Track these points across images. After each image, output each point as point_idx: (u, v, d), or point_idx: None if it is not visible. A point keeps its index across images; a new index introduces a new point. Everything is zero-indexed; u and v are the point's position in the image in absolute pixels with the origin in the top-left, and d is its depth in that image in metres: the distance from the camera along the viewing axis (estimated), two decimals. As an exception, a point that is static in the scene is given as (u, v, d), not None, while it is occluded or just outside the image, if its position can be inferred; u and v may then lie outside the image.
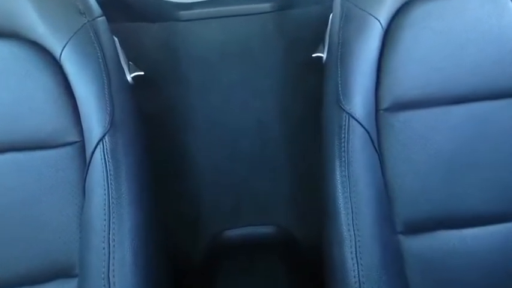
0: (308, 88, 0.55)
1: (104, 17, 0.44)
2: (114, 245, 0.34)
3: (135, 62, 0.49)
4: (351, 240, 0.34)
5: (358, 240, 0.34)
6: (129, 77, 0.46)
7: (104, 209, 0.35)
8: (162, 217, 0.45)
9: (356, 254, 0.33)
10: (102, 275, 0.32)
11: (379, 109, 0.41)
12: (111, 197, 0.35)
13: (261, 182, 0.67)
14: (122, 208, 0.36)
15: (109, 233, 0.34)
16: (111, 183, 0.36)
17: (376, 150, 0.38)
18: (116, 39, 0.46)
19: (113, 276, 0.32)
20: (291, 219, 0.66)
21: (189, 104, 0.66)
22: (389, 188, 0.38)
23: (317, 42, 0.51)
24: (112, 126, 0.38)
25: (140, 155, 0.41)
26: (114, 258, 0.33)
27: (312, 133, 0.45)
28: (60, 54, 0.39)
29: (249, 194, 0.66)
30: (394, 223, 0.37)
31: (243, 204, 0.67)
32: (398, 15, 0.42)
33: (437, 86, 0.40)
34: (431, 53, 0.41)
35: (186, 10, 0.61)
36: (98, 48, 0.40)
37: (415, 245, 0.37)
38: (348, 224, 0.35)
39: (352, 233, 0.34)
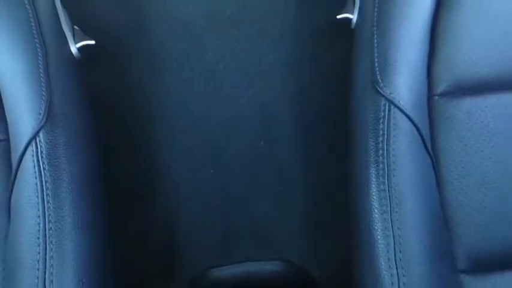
0: (330, 65, 0.43)
1: None
2: None
3: (84, 27, 0.36)
4: (392, 281, 0.27)
5: (404, 283, 0.26)
6: (73, 48, 0.34)
7: (38, 238, 0.26)
8: (123, 251, 0.36)
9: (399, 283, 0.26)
10: None
11: (433, 94, 0.31)
12: (48, 221, 0.27)
13: (262, 202, 0.49)
14: (63, 237, 0.27)
15: (44, 273, 0.25)
16: (48, 201, 0.27)
17: (429, 154, 0.29)
18: None
19: None
20: (305, 252, 0.50)
21: (160, 88, 0.48)
22: (447, 209, 0.30)
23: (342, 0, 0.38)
24: (49, 119, 0.28)
25: (90, 160, 0.31)
26: None
27: (336, 129, 0.36)
28: None
29: (247, 219, 0.49)
30: (455, 258, 0.29)
31: (236, 232, 0.49)
32: None
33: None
34: (506, 16, 0.31)
35: None
36: (30, 10, 0.30)
37: (480, 285, 0.29)
38: (389, 260, 0.27)
39: (395, 271, 0.27)
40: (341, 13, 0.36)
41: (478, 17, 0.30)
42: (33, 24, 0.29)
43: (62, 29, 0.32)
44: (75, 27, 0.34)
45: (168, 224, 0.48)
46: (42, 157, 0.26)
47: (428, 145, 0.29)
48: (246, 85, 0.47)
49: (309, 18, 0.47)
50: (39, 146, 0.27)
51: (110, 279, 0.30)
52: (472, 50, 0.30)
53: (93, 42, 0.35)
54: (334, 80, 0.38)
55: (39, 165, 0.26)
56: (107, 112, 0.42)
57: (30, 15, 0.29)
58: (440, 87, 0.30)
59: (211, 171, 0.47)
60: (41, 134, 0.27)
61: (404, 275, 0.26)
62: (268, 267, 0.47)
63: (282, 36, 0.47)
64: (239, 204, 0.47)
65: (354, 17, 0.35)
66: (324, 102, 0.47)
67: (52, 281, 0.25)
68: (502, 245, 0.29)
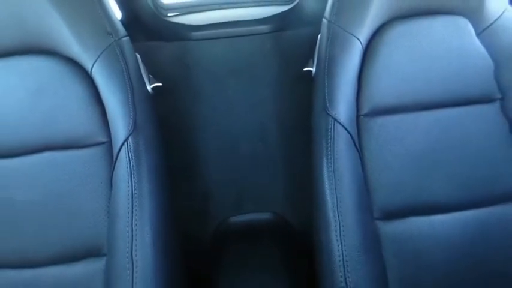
0: (300, 97, 0.55)
1: (128, 37, 0.45)
2: (136, 229, 0.34)
3: (155, 75, 0.50)
4: (336, 226, 0.34)
5: (342, 225, 0.34)
6: (149, 88, 0.47)
7: (128, 199, 0.35)
8: (176, 207, 0.45)
9: (340, 237, 0.33)
10: (127, 254, 0.33)
11: (359, 114, 0.41)
12: (134, 188, 0.36)
13: (260, 177, 0.67)
14: (142, 198, 0.36)
15: (132, 219, 0.34)
16: (133, 178, 0.36)
17: (357, 150, 0.39)
18: (138, 55, 0.47)
19: (136, 255, 0.33)
20: (286, 208, 0.67)
21: (199, 111, 0.66)
22: (368, 181, 0.38)
23: (307, 58, 0.51)
24: (135, 129, 0.38)
25: (158, 154, 0.41)
26: (136, 240, 0.33)
27: (304, 135, 0.45)
28: (91, 68, 0.40)
29: (250, 187, 0.67)
30: (372, 211, 0.37)
31: (245, 196, 0.67)
32: (375, 35, 0.43)
33: (409, 95, 0.41)
34: (403, 67, 0.41)
35: (196, 31, 0.62)
36: (123, 64, 0.41)
37: (390, 229, 0.37)
38: (334, 212, 0.34)
39: (337, 218, 0.34)
40: (306, 67, 0.49)
41: (385, 69, 0.41)
42: (125, 73, 0.40)
43: (142, 76, 0.44)
44: (150, 75, 0.47)
45: (203, 190, 0.64)
46: (130, 152, 0.37)
47: (357, 144, 0.38)
48: (250, 110, 0.64)
49: (288, 70, 0.62)
50: (129, 145, 0.37)
51: (170, 224, 0.39)
52: (383, 88, 0.40)
53: (160, 84, 0.48)
54: (303, 106, 0.48)
55: (129, 157, 0.36)
56: (170, 126, 0.55)
57: (123, 67, 0.40)
58: (364, 111, 0.40)
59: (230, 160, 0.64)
60: (130, 138, 0.37)
61: (343, 221, 0.34)
62: (263, 216, 0.61)
63: (272, 80, 0.63)
64: (246, 179, 0.64)
65: (313, 69, 0.47)
66: (297, 119, 0.62)
67: (136, 224, 0.34)
68: (402, 201, 0.37)
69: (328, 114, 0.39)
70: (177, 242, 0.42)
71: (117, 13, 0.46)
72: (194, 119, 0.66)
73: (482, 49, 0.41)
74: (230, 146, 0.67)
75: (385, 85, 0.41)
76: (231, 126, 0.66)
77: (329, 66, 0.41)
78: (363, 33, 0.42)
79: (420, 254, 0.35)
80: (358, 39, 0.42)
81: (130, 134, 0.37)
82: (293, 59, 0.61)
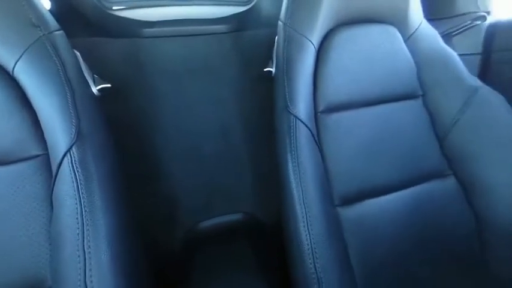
0: (262, 96, 0.55)
1: (62, 31, 0.37)
2: (90, 252, 0.29)
3: (101, 75, 0.42)
4: (303, 216, 0.35)
5: (309, 216, 0.35)
6: (94, 89, 0.39)
7: (77, 218, 0.30)
8: (139, 217, 0.40)
9: (307, 226, 0.34)
10: (79, 282, 0.28)
11: (317, 112, 0.43)
12: (84, 205, 0.30)
13: (227, 178, 0.64)
14: (95, 215, 0.31)
15: (83, 241, 0.29)
16: (82, 193, 0.31)
17: (317, 144, 0.40)
18: (77, 53, 0.39)
19: (91, 281, 0.28)
20: (256, 206, 0.65)
21: (158, 112, 0.60)
22: (328, 172, 0.40)
23: (266, 59, 0.51)
24: (79, 138, 0.32)
25: (110, 162, 0.36)
26: (91, 264, 0.28)
27: (268, 133, 0.44)
28: (13, 68, 0.32)
29: (219, 189, 0.64)
30: (333, 198, 0.39)
31: (213, 199, 0.64)
32: (326, 39, 0.45)
33: (356, 93, 0.44)
34: (350, 68, 0.44)
35: (148, 28, 0.56)
36: (57, 61, 0.34)
37: (348, 213, 0.39)
38: (300, 203, 0.35)
39: (304, 210, 0.35)
40: (266, 68, 0.48)
41: (336, 70, 0.43)
42: (60, 72, 0.33)
43: (84, 76, 0.37)
44: (95, 75, 0.39)
45: (168, 196, 0.58)
46: (75, 163, 0.31)
47: (316, 139, 0.40)
48: (212, 109, 0.60)
49: (248, 70, 0.61)
50: (72, 157, 0.31)
51: (131, 239, 0.34)
52: (335, 87, 0.43)
53: (109, 85, 0.41)
54: (264, 105, 0.49)
55: (73, 169, 0.31)
56: (125, 129, 0.47)
57: (58, 65, 0.33)
58: (320, 108, 0.42)
59: (196, 163, 0.59)
60: (73, 148, 0.31)
61: (309, 211, 0.34)
62: (234, 217, 0.58)
63: (233, 80, 0.61)
64: (213, 181, 0.60)
65: (273, 70, 0.47)
66: (259, 118, 0.61)
67: (90, 246, 0.29)
68: (357, 186, 0.40)
69: (290, 112, 0.39)
70: (141, 257, 0.37)
71: (45, 3, 0.37)
72: (153, 121, 0.60)
73: (408, 53, 0.47)
74: (194, 148, 0.62)
75: (337, 84, 0.43)
76: (194, 127, 0.62)
77: (287, 67, 0.41)
78: (315, 36, 0.44)
79: (373, 230, 0.39)
80: (312, 42, 0.43)
81: (74, 143, 0.31)
82: (253, 59, 0.60)
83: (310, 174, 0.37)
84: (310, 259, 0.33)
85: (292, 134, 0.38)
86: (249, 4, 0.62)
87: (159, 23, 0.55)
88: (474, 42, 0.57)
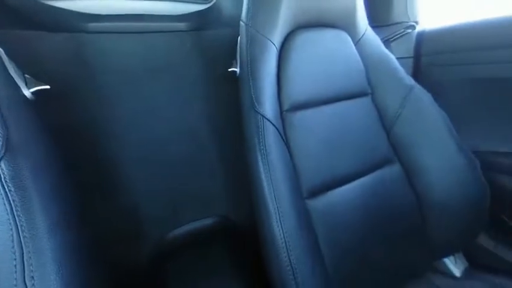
0: (227, 97, 0.55)
1: None
2: (34, 284, 0.24)
3: (37, 75, 0.35)
4: (275, 212, 0.35)
5: (280, 211, 0.35)
6: (27, 92, 0.33)
7: (13, 248, 0.25)
8: (98, 235, 0.35)
9: (280, 221, 0.35)
10: None
11: (282, 111, 0.44)
12: (22, 231, 0.25)
13: (197, 182, 0.60)
14: (38, 240, 0.26)
15: (23, 273, 0.24)
16: (18, 216, 0.25)
17: (284, 142, 0.41)
18: (1, 49, 0.32)
19: None
20: (229, 208, 0.63)
21: (111, 117, 0.53)
22: (296, 168, 0.42)
23: (230, 58, 0.50)
24: (8, 150, 0.27)
25: (56, 176, 0.30)
26: None
27: (235, 133, 0.44)
28: None
29: (188, 195, 0.59)
30: (302, 192, 0.41)
31: (183, 205, 0.59)
32: (286, 40, 0.47)
33: (315, 93, 0.46)
34: (309, 69, 0.46)
35: (94, 22, 0.49)
36: None
37: (317, 204, 0.41)
38: (272, 200, 0.36)
39: (275, 206, 0.36)
40: (230, 68, 0.48)
41: (297, 71, 0.45)
42: None
43: (11, 77, 0.30)
44: (27, 75, 0.32)
45: (133, 207, 0.51)
46: (6, 181, 0.25)
47: (284, 137, 0.41)
48: (176, 111, 0.55)
49: (213, 70, 0.58)
50: (1, 174, 0.25)
51: (88, 262, 0.30)
52: (297, 87, 0.44)
53: (47, 87, 0.34)
54: (231, 105, 0.48)
55: (4, 189, 0.25)
56: (73, 136, 0.39)
57: None
58: (285, 107, 0.44)
59: (157, 169, 0.52)
60: (1, 164, 0.26)
61: (280, 206, 0.35)
62: (207, 222, 0.56)
63: (198, 80, 0.57)
64: (183, 186, 0.55)
65: (237, 70, 0.46)
66: (227, 118, 0.59)
67: (33, 277, 0.24)
68: (321, 179, 0.42)
69: (257, 112, 0.39)
70: (102, 280, 0.33)
71: None
72: (106, 126, 0.52)
73: (358, 56, 0.52)
74: (158, 153, 0.56)
75: (299, 84, 0.45)
76: (157, 131, 0.56)
77: (251, 68, 0.42)
78: (276, 38, 0.44)
79: (338, 218, 0.42)
80: (273, 44, 0.44)
81: (2, 157, 0.26)
82: (216, 59, 0.58)
83: (280, 172, 0.37)
84: (284, 252, 0.33)
85: (260, 134, 0.38)
86: (208, 3, 0.59)
87: (108, 17, 0.48)
88: (407, 47, 0.66)
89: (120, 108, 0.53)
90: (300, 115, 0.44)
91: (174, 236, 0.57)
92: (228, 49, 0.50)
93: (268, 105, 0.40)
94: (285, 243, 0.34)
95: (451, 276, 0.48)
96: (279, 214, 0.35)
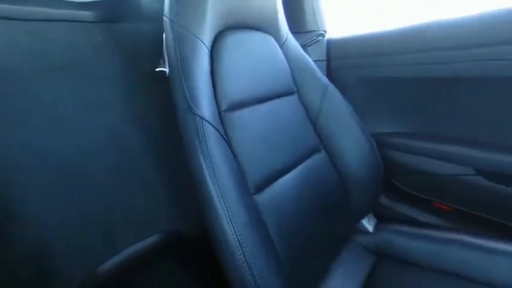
0: (157, 98, 0.49)
1: None
2: None
3: None
4: (224, 214, 0.35)
5: (230, 212, 0.35)
6: None
7: None
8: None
9: (231, 221, 0.34)
10: None
11: (220, 111, 0.43)
12: None
13: (130, 198, 0.51)
14: None
15: None
16: None
17: (226, 142, 0.41)
18: None
19: None
20: (172, 220, 0.56)
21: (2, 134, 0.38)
22: (240, 166, 0.42)
23: (155, 56, 0.45)
24: None
25: None
26: None
27: (171, 138, 0.41)
28: None
29: (122, 215, 0.49)
30: (249, 188, 0.42)
31: (117, 228, 0.48)
32: (217, 40, 0.46)
33: (249, 92, 0.48)
34: (242, 69, 0.47)
35: None
36: None
37: (263, 198, 0.43)
38: (220, 202, 0.35)
39: (224, 207, 0.35)
40: (157, 67, 0.43)
41: (231, 71, 0.45)
42: None
43: None
44: None
45: (48, 241, 0.37)
46: None
47: (224, 137, 0.40)
48: (93, 117, 0.45)
49: (136, 68, 0.51)
50: None
51: None
52: (232, 86, 0.44)
53: None
54: (160, 107, 0.44)
55: None
56: None
57: None
58: (224, 107, 0.43)
59: (75, 193, 0.40)
60: None
61: (229, 206, 0.35)
62: (151, 240, 0.49)
63: (118, 80, 0.48)
64: (110, 205, 0.44)
65: (166, 70, 0.42)
66: (158, 121, 0.54)
67: None
68: (265, 173, 0.44)
69: (195, 113, 0.38)
70: None
71: None
72: None
73: (283, 58, 0.57)
74: (70, 171, 0.44)
75: (234, 84, 0.45)
76: (66, 144, 0.44)
77: (183, 68, 0.39)
78: (206, 37, 0.43)
79: (283, 207, 0.45)
80: (204, 43, 0.42)
81: None
82: (138, 56, 0.51)
83: (225, 172, 0.37)
84: (239, 250, 0.34)
85: (201, 136, 0.37)
86: None
87: None
88: (321, 51, 0.78)
89: (15, 120, 0.39)
90: (238, 114, 0.45)
91: (109, 266, 0.46)
92: (153, 46, 0.45)
93: (205, 106, 0.39)
94: (238, 241, 0.34)
95: (367, 232, 0.60)
96: (228, 214, 0.35)
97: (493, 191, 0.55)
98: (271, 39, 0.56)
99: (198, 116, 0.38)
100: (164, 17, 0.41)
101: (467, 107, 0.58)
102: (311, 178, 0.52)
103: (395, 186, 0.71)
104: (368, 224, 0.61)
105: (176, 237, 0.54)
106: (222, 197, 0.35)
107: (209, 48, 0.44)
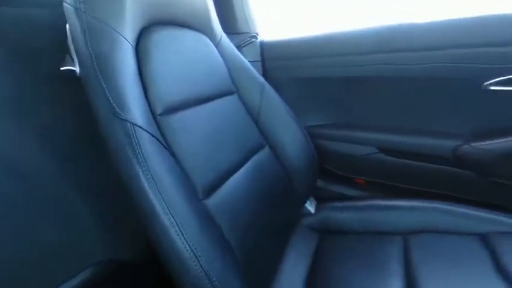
0: (63, 102, 0.40)
1: None
2: None
3: None
4: (173, 226, 0.32)
5: (179, 222, 0.32)
6: None
7: None
8: None
9: (181, 232, 0.32)
10: None
11: (155, 115, 0.39)
12: None
13: (55, 227, 0.40)
14: None
15: None
16: None
17: (166, 148, 0.37)
18: None
19: None
20: (107, 247, 0.46)
21: None
22: (185, 171, 0.39)
23: (55, 52, 0.36)
24: None
25: None
26: None
27: (92, 148, 0.34)
28: None
29: (49, 248, 0.38)
30: (197, 194, 0.40)
31: (31, 274, 0.36)
32: (142, 37, 0.41)
33: (188, 93, 0.45)
34: (175, 69, 0.44)
35: None
36: None
37: (214, 201, 0.41)
38: (166, 214, 0.32)
39: (172, 218, 0.32)
40: (61, 64, 0.35)
41: (162, 70, 0.41)
42: None
43: None
44: None
45: None
46: None
47: (162, 141, 0.37)
48: None
49: (32, 66, 0.39)
50: None
51: None
52: (166, 87, 0.41)
53: None
54: (70, 114, 0.35)
55: None
56: None
57: None
58: (159, 111, 0.39)
59: None
60: None
61: (177, 216, 0.32)
62: (81, 277, 0.40)
63: (6, 83, 0.36)
64: (27, 247, 0.33)
65: (76, 69, 0.35)
66: (72, 130, 0.44)
67: None
68: (212, 175, 0.42)
69: (123, 119, 0.33)
70: None
71: None
72: None
73: (220, 58, 0.56)
74: None
75: (168, 85, 0.42)
76: None
77: (101, 67, 0.33)
78: (128, 32, 0.38)
79: (234, 205, 0.45)
80: (126, 39, 0.37)
81: None
82: (31, 51, 0.40)
83: (168, 182, 0.34)
84: (194, 261, 0.31)
85: (134, 144, 0.32)
86: None
87: None
88: (255, 52, 0.81)
89: None
90: (178, 117, 0.42)
91: None
92: (50, 39, 0.36)
93: (135, 110, 0.34)
94: (192, 251, 0.32)
95: (310, 214, 0.68)
96: (177, 225, 0.32)
97: (391, 164, 0.71)
98: (204, 38, 0.54)
99: (129, 121, 0.33)
100: (66, 4, 0.33)
101: (374, 100, 0.72)
102: (258, 174, 0.54)
103: (328, 169, 0.83)
104: (310, 206, 0.69)
105: (115, 266, 0.45)
106: (168, 208, 0.32)
107: (133, 46, 0.39)
